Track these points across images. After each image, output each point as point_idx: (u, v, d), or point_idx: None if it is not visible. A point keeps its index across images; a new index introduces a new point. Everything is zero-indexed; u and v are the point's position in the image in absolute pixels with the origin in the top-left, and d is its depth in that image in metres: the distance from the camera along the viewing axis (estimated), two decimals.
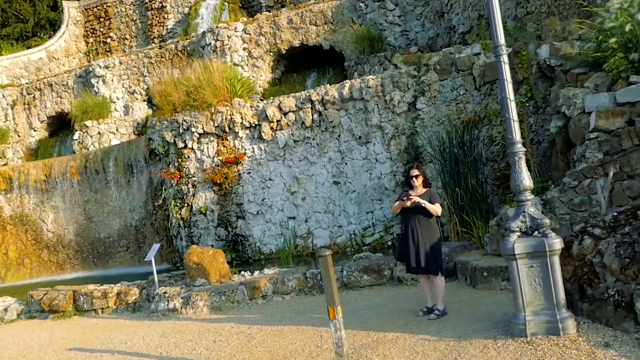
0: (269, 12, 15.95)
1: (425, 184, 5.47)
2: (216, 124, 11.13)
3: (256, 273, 7.06)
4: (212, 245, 11.36)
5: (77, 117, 16.97)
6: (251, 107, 10.99)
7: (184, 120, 11.32)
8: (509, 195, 6.08)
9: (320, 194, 10.56)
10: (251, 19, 15.95)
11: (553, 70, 7.46)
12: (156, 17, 20.10)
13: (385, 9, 13.98)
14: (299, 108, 10.56)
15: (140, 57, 17.49)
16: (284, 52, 15.13)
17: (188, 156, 11.48)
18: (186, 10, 19.82)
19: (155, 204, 12.28)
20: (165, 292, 6.69)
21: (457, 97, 9.21)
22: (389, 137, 9.83)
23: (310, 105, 10.45)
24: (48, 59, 21.39)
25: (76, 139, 16.73)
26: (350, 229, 10.33)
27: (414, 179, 5.40)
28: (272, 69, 15.50)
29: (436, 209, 5.22)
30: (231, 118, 10.99)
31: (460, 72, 9.19)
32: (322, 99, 10.32)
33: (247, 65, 15.42)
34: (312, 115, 10.44)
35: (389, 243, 9.71)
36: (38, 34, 24.31)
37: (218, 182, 11.18)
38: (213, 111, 11.14)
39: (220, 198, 11.27)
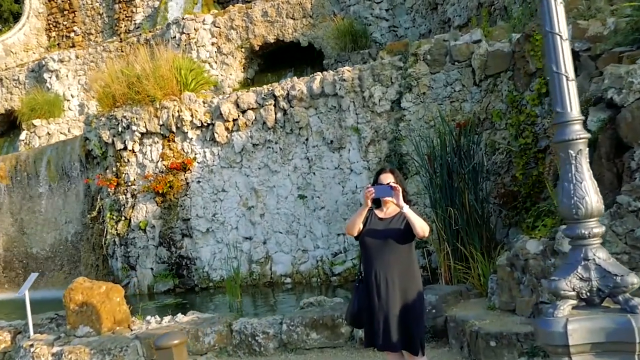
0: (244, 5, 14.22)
1: (404, 199, 3.56)
2: (161, 122, 9.23)
3: (166, 319, 5.06)
4: (151, 269, 9.41)
5: (24, 115, 15.05)
6: (204, 102, 9.10)
7: (124, 117, 9.40)
8: (528, 220, 4.15)
9: (283, 210, 8.63)
10: (222, 11, 14.22)
11: (577, 57, 5.70)
12: (124, 10, 18.28)
13: (372, 1, 12.25)
14: (260, 105, 8.69)
15: (98, 50, 15.67)
16: (257, 48, 13.36)
17: (128, 160, 9.53)
18: (156, 4, 18.03)
19: (89, 215, 10.27)
20: (31, 345, 4.70)
21: (451, 93, 7.38)
22: (367, 142, 7.96)
23: (273, 102, 8.59)
24: (4, 53, 19.46)
25: (23, 140, 14.81)
26: (317, 254, 8.40)
27: None
28: (244, 68, 13.70)
29: (423, 226, 3.24)
30: (179, 115, 9.10)
31: (456, 63, 7.37)
32: (288, 94, 8.46)
33: (215, 62, 13.64)
34: (276, 114, 8.57)
35: None
36: None
37: (161, 191, 9.22)
38: (158, 107, 9.24)
39: (163, 211, 9.30)
